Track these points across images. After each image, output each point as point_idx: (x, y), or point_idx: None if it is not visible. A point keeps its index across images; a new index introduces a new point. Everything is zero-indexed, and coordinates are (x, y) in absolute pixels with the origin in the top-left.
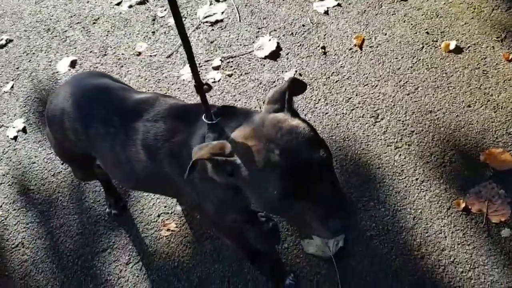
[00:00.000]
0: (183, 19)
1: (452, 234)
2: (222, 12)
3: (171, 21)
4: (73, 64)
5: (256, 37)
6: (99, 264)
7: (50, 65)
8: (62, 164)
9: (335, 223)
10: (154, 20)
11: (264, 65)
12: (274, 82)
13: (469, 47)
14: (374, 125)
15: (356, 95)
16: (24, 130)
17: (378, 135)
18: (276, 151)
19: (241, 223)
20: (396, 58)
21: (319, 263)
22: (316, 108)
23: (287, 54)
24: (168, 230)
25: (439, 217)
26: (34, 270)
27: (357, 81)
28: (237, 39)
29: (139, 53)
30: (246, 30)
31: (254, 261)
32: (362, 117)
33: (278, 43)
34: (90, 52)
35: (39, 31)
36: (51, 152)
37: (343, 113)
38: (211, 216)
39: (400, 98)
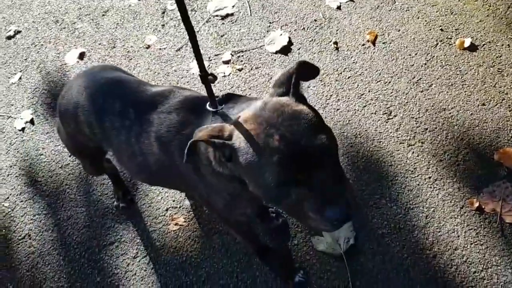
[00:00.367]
0: (193, 12)
1: (465, 233)
2: (233, 6)
3: None
4: (81, 56)
5: (267, 31)
6: (106, 257)
7: (58, 56)
8: (70, 156)
9: (334, 211)
10: (163, 13)
11: (275, 60)
12: None
13: (484, 44)
14: (386, 122)
15: (369, 91)
16: (31, 121)
17: (391, 132)
18: (276, 136)
19: (249, 218)
20: (410, 55)
21: (329, 260)
22: (327, 104)
23: (299, 49)
24: (176, 224)
25: (452, 216)
26: (41, 262)
27: (370, 77)
28: (248, 33)
29: (148, 46)
30: (257, 24)
31: (263, 257)
32: (375, 113)
33: (289, 37)
34: (99, 44)
35: (48, 23)
36: (59, 144)
37: (355, 110)
38: (219, 210)
39: (414, 95)
